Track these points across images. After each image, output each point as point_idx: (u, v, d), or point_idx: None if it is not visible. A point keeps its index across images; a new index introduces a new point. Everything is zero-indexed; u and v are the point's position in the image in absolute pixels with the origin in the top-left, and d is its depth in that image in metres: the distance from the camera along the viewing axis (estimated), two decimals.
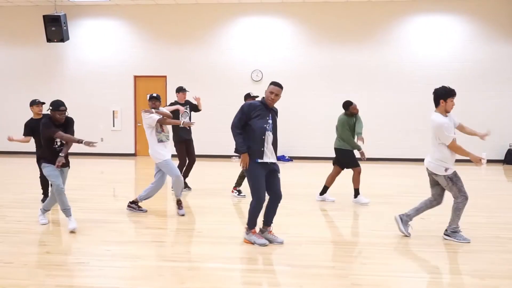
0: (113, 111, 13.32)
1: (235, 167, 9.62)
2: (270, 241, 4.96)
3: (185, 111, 7.83)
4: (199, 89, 12.96)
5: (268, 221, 5.00)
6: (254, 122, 4.79)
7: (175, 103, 7.89)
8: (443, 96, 5.07)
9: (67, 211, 5.39)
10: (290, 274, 4.16)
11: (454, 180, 5.05)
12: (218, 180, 8.12)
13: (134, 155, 13.52)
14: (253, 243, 4.87)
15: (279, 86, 4.87)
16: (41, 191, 6.81)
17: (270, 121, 4.84)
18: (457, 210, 5.13)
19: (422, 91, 12.71)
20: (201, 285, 3.84)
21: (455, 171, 5.09)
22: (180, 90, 8.07)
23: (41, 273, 4.05)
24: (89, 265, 4.30)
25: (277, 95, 4.83)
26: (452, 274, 4.19)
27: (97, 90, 13.33)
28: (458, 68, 12.64)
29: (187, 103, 8.06)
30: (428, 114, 12.34)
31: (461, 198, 5.08)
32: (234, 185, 7.53)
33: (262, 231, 5.02)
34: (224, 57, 13.23)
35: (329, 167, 11.69)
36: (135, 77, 13.47)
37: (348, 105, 7.10)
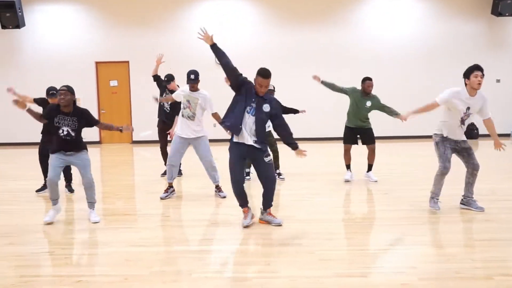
0: (76, 99, 12.98)
1: None
2: (269, 222, 5.00)
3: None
4: (161, 73, 12.81)
5: (265, 206, 5.02)
6: (239, 98, 4.75)
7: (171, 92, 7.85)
8: (465, 74, 5.11)
9: (53, 202, 5.23)
10: (257, 252, 4.22)
11: (438, 146, 5.25)
12: (184, 164, 8.10)
13: (99, 142, 13.29)
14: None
15: (267, 76, 4.68)
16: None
17: (253, 105, 4.71)
18: (435, 177, 5.31)
19: (387, 70, 12.93)
20: (169, 268, 3.85)
21: (444, 140, 5.22)
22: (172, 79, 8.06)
23: (4, 265, 3.95)
24: (54, 254, 4.23)
25: (267, 87, 4.72)
26: (414, 245, 4.33)
27: (57, 78, 12.79)
28: (418, 47, 12.89)
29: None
30: (395, 93, 12.71)
31: (438, 166, 5.23)
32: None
33: (262, 213, 5.06)
34: (187, 41, 13.03)
35: (300, 147, 11.84)
36: (97, 63, 13.17)
37: (363, 81, 7.14)
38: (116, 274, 3.72)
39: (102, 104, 13.35)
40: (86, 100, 13.18)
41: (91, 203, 5.29)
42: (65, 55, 13.00)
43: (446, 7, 12.85)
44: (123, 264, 3.95)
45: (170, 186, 6.40)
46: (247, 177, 7.21)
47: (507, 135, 13.17)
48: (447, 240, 4.47)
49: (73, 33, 13.03)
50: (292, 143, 4.90)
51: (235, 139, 4.79)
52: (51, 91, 6.41)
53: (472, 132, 12.88)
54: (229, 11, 12.95)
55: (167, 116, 7.78)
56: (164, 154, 7.94)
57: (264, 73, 4.68)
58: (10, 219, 5.36)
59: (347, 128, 7.32)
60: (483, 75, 5.06)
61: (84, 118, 5.16)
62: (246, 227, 4.85)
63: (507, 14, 12.21)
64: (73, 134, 5.08)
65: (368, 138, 7.22)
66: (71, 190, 6.72)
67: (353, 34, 12.95)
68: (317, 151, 10.96)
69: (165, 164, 7.93)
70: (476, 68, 5.05)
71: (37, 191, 6.65)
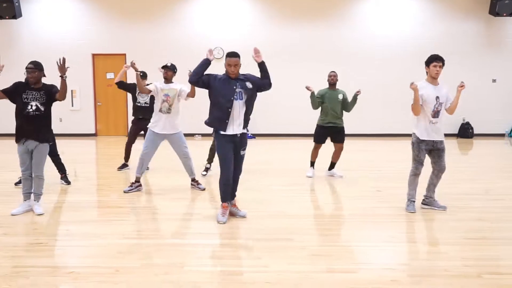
0: (72, 91, 12.94)
1: (197, 145, 9.62)
2: (233, 214, 5.06)
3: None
4: (158, 67, 12.78)
5: (231, 196, 5.09)
6: (218, 90, 4.76)
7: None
8: (426, 62, 5.26)
9: (25, 195, 5.30)
10: (250, 247, 4.24)
11: (413, 147, 5.30)
12: (175, 158, 8.10)
13: (94, 135, 13.27)
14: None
15: (234, 55, 4.78)
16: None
17: (238, 90, 4.77)
18: (408, 179, 5.37)
19: (384, 68, 12.94)
20: (162, 261, 3.87)
21: (420, 143, 5.24)
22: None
23: None
24: (48, 245, 4.25)
25: (236, 65, 4.77)
26: (407, 242, 4.38)
27: (54, 69, 12.71)
28: (416, 46, 12.89)
29: None
30: (392, 91, 12.71)
31: (411, 167, 5.28)
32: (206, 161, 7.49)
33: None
34: (185, 35, 13.03)
35: (291, 142, 11.88)
36: (93, 55, 13.13)
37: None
38: (108, 266, 3.75)
39: (98, 96, 13.33)
40: (82, 91, 13.17)
41: (37, 195, 5.27)
42: (62, 46, 12.90)
43: (444, 6, 12.86)
44: (114, 256, 3.97)
45: (137, 180, 6.33)
46: (204, 173, 7.31)
47: (502, 135, 13.23)
48: (438, 238, 4.51)
49: (70, 24, 12.98)
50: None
51: (222, 132, 4.83)
52: None
53: (466, 131, 12.95)
54: (229, 6, 12.92)
55: (145, 112, 7.61)
56: (128, 151, 7.90)
57: (230, 53, 4.81)
58: (5, 209, 5.35)
59: (318, 127, 7.33)
60: (442, 64, 5.22)
61: (52, 92, 5.10)
62: (223, 223, 4.86)
63: (504, 14, 12.22)
64: (42, 108, 5.04)
65: (339, 136, 7.22)
66: (67, 182, 6.73)
67: (351, 32, 12.95)
68: (308, 147, 10.97)
69: (125, 159, 7.96)
70: (436, 58, 5.20)
71: (16, 184, 6.60)
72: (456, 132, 13.07)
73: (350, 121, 12.15)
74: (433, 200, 5.46)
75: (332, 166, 7.33)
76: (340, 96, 7.12)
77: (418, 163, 5.28)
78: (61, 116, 12.68)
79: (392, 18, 12.91)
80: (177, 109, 6.30)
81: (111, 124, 13.37)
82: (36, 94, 5.06)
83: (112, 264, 3.78)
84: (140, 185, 6.38)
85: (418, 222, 4.99)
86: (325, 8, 12.87)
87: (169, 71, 6.30)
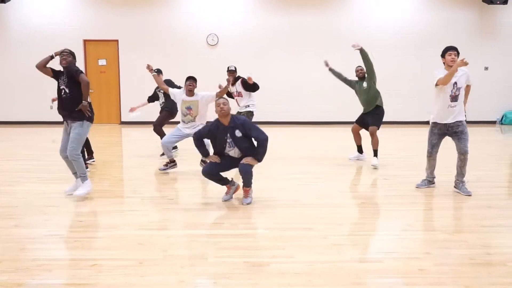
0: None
1: None
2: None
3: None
4: (152, 54, 12.60)
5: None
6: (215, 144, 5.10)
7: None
8: (442, 54, 5.45)
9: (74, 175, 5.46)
10: (269, 237, 4.20)
11: (429, 131, 5.63)
12: (183, 147, 8.05)
13: None
14: None
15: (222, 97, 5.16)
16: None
17: (228, 140, 4.98)
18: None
19: (379, 56, 12.89)
20: (184, 252, 3.81)
21: (433, 126, 5.56)
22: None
23: (14, 247, 3.85)
24: (63, 237, 4.15)
25: (225, 104, 4.93)
26: (424, 230, 4.40)
27: (44, 55, 12.49)
28: (410, 33, 12.93)
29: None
30: (387, 78, 12.73)
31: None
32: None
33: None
34: (178, 21, 12.83)
35: (292, 130, 11.85)
36: (85, 41, 12.83)
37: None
38: (131, 258, 3.67)
39: (90, 84, 13.04)
40: None
41: (77, 175, 5.38)
42: (52, 31, 12.60)
43: None
44: (136, 248, 3.89)
45: (172, 161, 6.65)
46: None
47: (494, 122, 13.41)
48: (454, 226, 4.54)
49: (61, 9, 12.63)
50: (258, 154, 5.06)
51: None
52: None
53: None
54: None
55: (163, 107, 8.07)
56: (159, 133, 8.06)
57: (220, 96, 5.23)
58: (11, 200, 5.22)
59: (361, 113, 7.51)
60: (457, 53, 5.36)
61: (70, 72, 5.23)
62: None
63: (498, 2, 12.31)
64: (67, 90, 5.22)
65: (370, 119, 7.20)
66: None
67: (346, 20, 12.91)
68: (314, 134, 10.97)
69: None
70: (450, 48, 5.41)
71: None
72: None
73: (345, 109, 12.26)
74: (460, 183, 5.57)
75: (374, 153, 7.19)
76: (364, 84, 7.21)
77: (428, 145, 5.64)
78: (52, 104, 12.37)
79: (386, 5, 12.89)
80: (203, 114, 6.51)
81: (104, 112, 13.12)
82: (64, 78, 5.25)
83: (135, 256, 3.70)
84: (175, 164, 6.71)
85: (432, 210, 5.02)
86: None
87: (195, 82, 6.47)
